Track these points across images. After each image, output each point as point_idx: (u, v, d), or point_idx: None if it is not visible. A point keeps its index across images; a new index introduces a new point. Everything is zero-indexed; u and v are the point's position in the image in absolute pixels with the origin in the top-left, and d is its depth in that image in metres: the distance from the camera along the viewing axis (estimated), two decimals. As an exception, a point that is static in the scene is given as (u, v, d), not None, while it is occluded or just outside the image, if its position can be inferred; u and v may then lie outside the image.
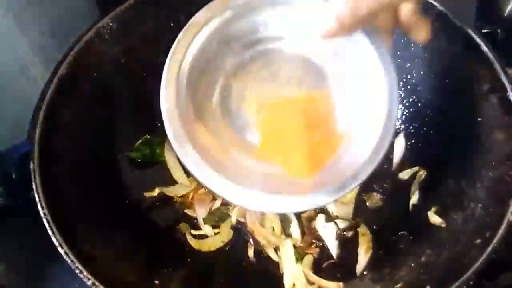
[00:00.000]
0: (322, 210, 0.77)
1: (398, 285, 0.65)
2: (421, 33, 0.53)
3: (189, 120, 0.51)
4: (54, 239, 0.56)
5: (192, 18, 0.55)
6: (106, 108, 0.77)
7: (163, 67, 0.82)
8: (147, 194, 0.77)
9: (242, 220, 0.76)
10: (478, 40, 0.70)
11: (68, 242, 0.56)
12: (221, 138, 0.54)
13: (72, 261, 0.55)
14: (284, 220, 0.76)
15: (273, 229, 0.75)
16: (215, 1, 0.54)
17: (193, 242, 0.74)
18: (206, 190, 0.79)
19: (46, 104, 0.66)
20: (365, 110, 0.53)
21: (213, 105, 0.56)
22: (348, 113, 0.55)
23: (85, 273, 0.54)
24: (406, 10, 0.50)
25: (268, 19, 0.56)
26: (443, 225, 0.69)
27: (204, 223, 0.76)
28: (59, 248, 0.55)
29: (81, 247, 0.58)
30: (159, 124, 0.82)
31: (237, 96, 0.56)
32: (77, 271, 0.54)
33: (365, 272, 0.71)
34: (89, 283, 0.54)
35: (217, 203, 0.78)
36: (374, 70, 0.53)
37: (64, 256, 0.55)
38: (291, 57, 0.57)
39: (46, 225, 0.57)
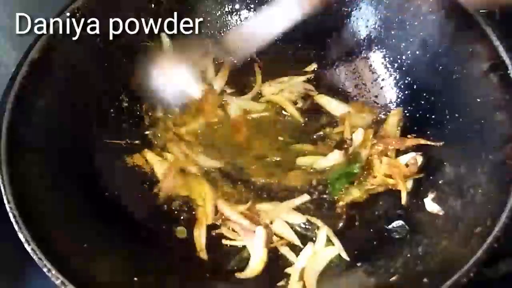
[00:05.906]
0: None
1: (393, 278, 0.61)
2: None
3: None
4: (20, 235, 0.52)
5: None
6: (82, 94, 0.72)
7: (143, 49, 0.80)
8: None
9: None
10: (477, 17, 0.66)
11: (36, 238, 0.52)
12: None
13: (39, 258, 0.51)
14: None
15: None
16: None
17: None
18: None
19: (15, 91, 0.62)
20: None
21: None
22: None
23: (53, 271, 0.50)
24: None
25: None
26: (441, 213, 0.65)
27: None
28: (26, 245, 0.51)
29: (51, 243, 0.54)
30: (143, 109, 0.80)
31: None
32: (44, 269, 0.50)
33: (358, 264, 0.67)
34: (57, 282, 0.50)
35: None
36: None
37: (31, 254, 0.51)
38: None
39: (12, 220, 0.53)
